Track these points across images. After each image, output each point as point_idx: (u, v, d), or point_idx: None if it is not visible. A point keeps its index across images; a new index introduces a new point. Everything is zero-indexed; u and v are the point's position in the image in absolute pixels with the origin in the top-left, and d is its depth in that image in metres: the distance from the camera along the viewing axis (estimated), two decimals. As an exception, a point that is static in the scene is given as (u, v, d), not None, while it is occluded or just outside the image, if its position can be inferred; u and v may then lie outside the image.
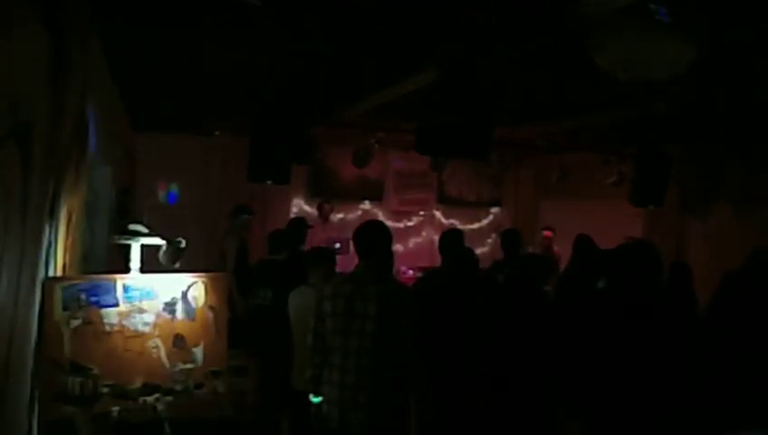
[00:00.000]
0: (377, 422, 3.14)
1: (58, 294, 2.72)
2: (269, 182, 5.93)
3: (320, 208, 8.33)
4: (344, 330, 3.17)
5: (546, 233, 8.34)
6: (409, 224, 9.56)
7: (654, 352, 3.64)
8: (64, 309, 2.75)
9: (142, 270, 3.25)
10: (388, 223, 8.70)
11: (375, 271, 3.30)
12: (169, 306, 3.09)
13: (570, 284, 5.40)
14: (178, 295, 3.12)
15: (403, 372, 3.20)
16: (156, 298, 3.05)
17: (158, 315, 3.05)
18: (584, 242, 5.53)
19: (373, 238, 3.35)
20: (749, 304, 3.71)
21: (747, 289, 3.82)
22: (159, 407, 2.99)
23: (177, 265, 3.33)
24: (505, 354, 3.99)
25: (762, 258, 4.01)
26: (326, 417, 3.20)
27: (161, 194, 7.06)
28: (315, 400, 3.31)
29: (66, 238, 2.83)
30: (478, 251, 8.43)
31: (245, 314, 5.41)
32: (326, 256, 4.25)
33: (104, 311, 2.88)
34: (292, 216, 7.95)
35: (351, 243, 3.40)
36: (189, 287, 3.16)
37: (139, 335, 2.98)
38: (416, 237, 9.55)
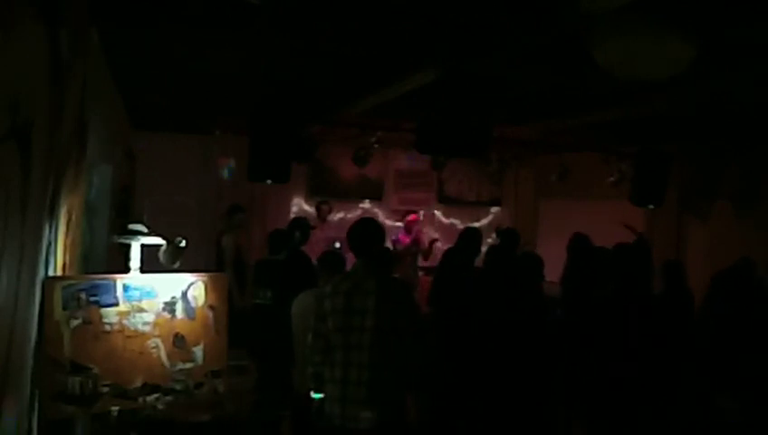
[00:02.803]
0: (378, 418, 3.15)
1: (58, 294, 2.72)
2: (269, 181, 5.93)
3: (318, 209, 8.34)
4: (344, 326, 3.20)
5: (413, 216, 8.31)
6: (409, 223, 9.55)
7: (653, 350, 3.64)
8: (64, 309, 2.74)
9: (142, 270, 3.25)
10: (388, 222, 8.78)
11: (373, 267, 3.34)
12: (169, 306, 3.09)
13: (567, 283, 5.38)
14: (178, 295, 3.12)
15: (403, 368, 3.23)
16: (156, 298, 3.05)
17: (157, 315, 3.04)
18: (580, 241, 5.51)
19: (367, 237, 3.40)
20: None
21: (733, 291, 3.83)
22: (159, 407, 2.99)
23: (177, 265, 3.33)
24: (502, 355, 3.99)
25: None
26: (328, 414, 3.22)
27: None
28: (316, 396, 3.33)
29: (66, 238, 2.83)
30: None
31: (242, 310, 5.44)
32: (338, 261, 4.18)
33: (104, 310, 2.88)
34: (293, 215, 7.96)
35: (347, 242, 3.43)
36: (189, 287, 3.16)
37: (138, 335, 2.97)
38: (416, 237, 9.54)
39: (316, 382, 3.33)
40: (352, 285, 3.25)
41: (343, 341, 3.20)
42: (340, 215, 8.84)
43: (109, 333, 2.89)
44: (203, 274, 3.26)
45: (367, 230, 3.44)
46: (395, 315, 3.22)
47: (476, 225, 9.80)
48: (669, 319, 3.80)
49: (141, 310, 3.00)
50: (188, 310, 3.14)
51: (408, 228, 8.18)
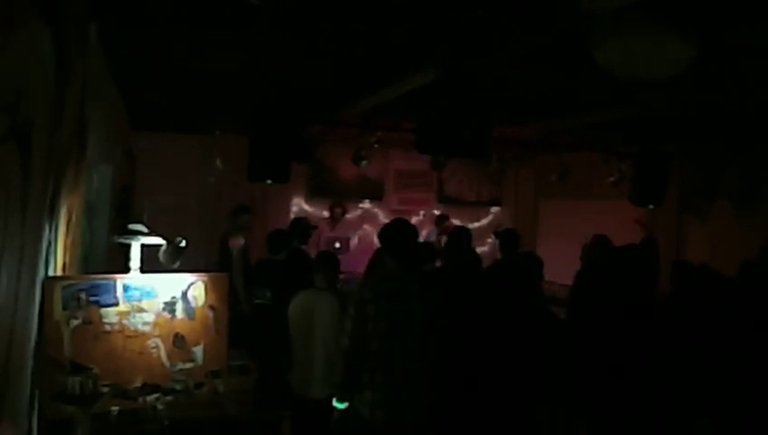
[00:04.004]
0: (421, 420, 3.15)
1: (58, 294, 2.72)
2: (269, 181, 5.93)
3: (331, 211, 8.35)
4: (389, 330, 3.15)
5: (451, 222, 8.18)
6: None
7: (654, 351, 3.64)
8: (64, 309, 2.74)
9: (142, 270, 3.24)
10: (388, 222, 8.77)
11: (410, 270, 3.33)
12: (169, 306, 3.09)
13: (585, 286, 5.29)
14: (178, 295, 3.12)
15: (436, 370, 3.22)
16: (156, 298, 3.05)
17: (157, 315, 3.04)
18: (602, 243, 5.40)
19: (403, 236, 3.38)
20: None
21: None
22: (159, 407, 2.99)
23: (177, 265, 3.33)
24: (502, 355, 3.99)
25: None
26: (366, 419, 3.16)
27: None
28: (340, 406, 3.26)
29: (66, 238, 2.83)
30: (478, 251, 8.44)
31: (242, 310, 5.44)
32: (332, 260, 4.25)
33: (104, 310, 2.88)
34: (293, 215, 7.97)
35: (376, 240, 3.43)
36: (189, 287, 3.16)
37: (138, 335, 2.97)
38: (416, 237, 9.55)
39: (345, 391, 3.24)
40: (395, 289, 3.21)
41: (388, 345, 3.15)
42: (339, 215, 8.84)
43: (109, 333, 2.89)
44: (203, 274, 3.26)
45: (402, 230, 3.41)
46: (434, 319, 3.23)
47: (476, 225, 9.84)
48: (671, 321, 3.80)
49: (141, 310, 3.00)
50: (188, 310, 3.14)
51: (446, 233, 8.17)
